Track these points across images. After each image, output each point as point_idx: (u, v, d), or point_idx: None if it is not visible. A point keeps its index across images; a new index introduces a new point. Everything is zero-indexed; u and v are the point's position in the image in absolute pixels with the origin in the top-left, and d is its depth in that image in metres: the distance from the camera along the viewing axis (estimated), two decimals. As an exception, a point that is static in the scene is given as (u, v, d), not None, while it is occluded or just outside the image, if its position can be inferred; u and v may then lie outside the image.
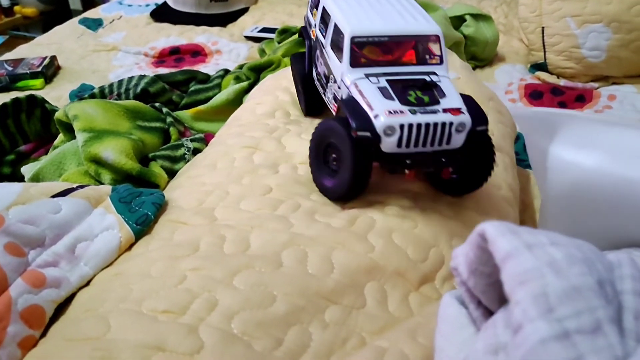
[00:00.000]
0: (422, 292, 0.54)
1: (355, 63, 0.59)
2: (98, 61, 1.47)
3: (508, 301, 0.31)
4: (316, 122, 0.63)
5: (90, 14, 1.79)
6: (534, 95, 1.18)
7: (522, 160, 0.88)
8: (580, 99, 1.17)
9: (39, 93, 1.30)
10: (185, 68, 1.23)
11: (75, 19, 1.76)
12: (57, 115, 0.75)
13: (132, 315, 0.45)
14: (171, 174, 0.73)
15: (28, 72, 1.35)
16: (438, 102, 0.55)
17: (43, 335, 0.48)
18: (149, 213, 0.56)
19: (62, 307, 0.51)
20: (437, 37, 0.60)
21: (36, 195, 0.54)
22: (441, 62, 0.60)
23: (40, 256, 0.51)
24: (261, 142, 0.70)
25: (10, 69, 1.37)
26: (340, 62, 0.60)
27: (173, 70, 1.38)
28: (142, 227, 0.55)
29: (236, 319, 0.45)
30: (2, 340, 0.44)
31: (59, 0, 2.59)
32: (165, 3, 1.76)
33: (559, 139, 0.55)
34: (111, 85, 1.02)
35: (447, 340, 0.41)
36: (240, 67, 1.11)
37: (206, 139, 0.82)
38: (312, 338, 0.45)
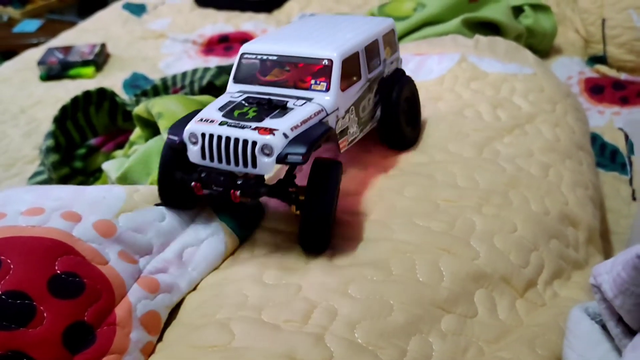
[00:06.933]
0: (528, 299, 0.53)
1: (236, 79, 0.59)
2: (146, 49, 1.46)
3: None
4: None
5: (132, -1, 1.79)
6: (595, 89, 1.16)
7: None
8: (643, 94, 1.15)
9: (91, 82, 1.32)
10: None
11: (118, 4, 1.76)
12: (137, 110, 0.75)
13: (254, 324, 0.45)
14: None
15: (80, 60, 1.35)
16: (260, 120, 0.50)
17: (158, 340, 0.49)
18: (252, 218, 0.56)
19: (171, 313, 0.51)
20: (330, 62, 0.55)
21: (140, 202, 0.55)
22: (327, 89, 0.55)
23: (150, 263, 0.51)
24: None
25: (61, 56, 1.38)
26: None
27: (223, 59, 1.38)
28: (246, 232, 0.56)
29: (359, 329, 0.45)
30: (127, 347, 0.45)
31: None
32: (208, -12, 1.75)
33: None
34: (174, 77, 1.02)
35: (582, 355, 0.41)
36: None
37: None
38: (433, 348, 0.45)
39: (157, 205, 0.56)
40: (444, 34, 1.04)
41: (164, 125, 0.69)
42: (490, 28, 1.13)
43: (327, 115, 0.55)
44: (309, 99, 0.55)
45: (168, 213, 0.55)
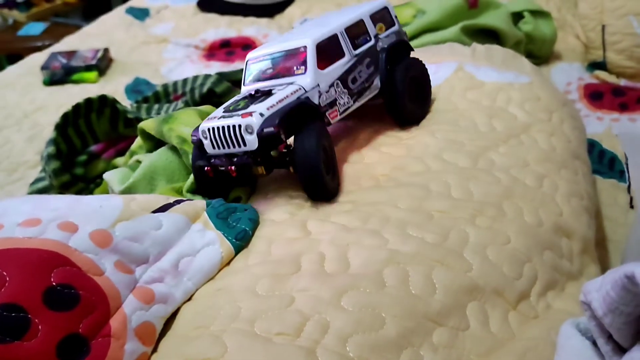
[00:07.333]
0: (520, 311, 0.54)
1: (245, 81, 0.71)
2: (149, 53, 1.47)
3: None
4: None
5: (136, 3, 1.80)
6: (594, 96, 1.16)
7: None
8: (643, 100, 1.15)
9: (94, 87, 1.33)
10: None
11: (122, 8, 1.77)
12: (144, 126, 0.75)
13: (246, 336, 0.46)
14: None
15: (83, 65, 1.36)
16: (247, 108, 0.61)
17: (153, 351, 0.49)
18: (247, 229, 0.57)
19: (166, 322, 0.52)
20: (304, 48, 0.66)
21: (137, 210, 0.55)
22: (305, 71, 0.65)
23: (146, 272, 0.52)
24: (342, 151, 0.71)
25: (64, 61, 1.39)
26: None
27: (225, 64, 1.39)
28: (242, 243, 0.56)
29: (350, 342, 0.45)
30: (121, 359, 0.45)
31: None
32: (211, -7, 1.76)
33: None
34: (175, 84, 1.03)
35: (572, 372, 0.41)
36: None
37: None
38: (424, 362, 0.46)
39: (154, 212, 0.56)
40: (444, 41, 1.04)
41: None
42: (489, 35, 1.13)
43: (306, 92, 0.64)
44: (292, 83, 0.65)
45: (165, 221, 0.56)
